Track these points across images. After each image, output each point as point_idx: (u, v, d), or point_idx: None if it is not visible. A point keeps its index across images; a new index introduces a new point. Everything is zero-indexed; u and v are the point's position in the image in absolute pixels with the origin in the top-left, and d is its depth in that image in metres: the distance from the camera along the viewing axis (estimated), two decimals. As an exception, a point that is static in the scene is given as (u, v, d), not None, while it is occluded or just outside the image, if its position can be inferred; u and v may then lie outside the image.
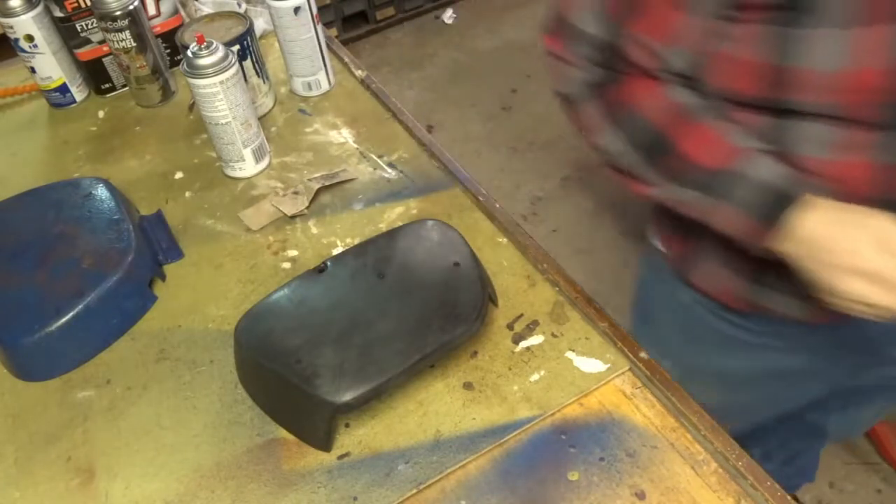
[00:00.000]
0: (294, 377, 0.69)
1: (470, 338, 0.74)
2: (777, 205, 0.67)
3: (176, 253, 0.94)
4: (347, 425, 0.73)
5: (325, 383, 0.68)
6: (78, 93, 1.21)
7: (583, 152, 2.53)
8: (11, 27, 1.11)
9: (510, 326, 0.80)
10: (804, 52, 0.64)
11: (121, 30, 1.09)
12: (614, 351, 0.76)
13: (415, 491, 0.67)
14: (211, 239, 0.95)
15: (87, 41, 1.17)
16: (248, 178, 1.03)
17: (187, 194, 1.02)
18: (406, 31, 3.26)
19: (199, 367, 0.80)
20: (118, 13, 1.07)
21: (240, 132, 0.98)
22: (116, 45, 1.11)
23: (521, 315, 0.81)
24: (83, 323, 0.81)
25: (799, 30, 0.63)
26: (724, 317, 0.91)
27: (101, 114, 1.20)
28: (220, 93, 0.93)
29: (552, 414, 0.71)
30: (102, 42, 1.16)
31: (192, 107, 1.17)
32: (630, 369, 0.74)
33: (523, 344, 0.78)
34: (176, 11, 1.21)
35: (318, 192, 0.99)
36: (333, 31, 3.08)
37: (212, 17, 1.10)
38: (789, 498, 0.64)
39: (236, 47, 1.04)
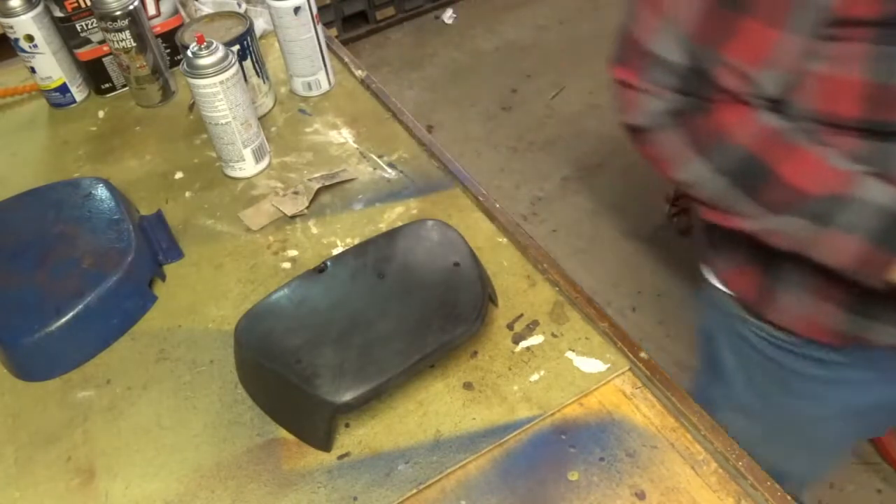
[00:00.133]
0: (294, 377, 0.69)
1: (470, 338, 0.74)
2: None
3: (176, 253, 0.94)
4: (347, 425, 0.73)
5: (325, 383, 0.68)
6: (78, 93, 1.21)
7: (583, 152, 2.53)
8: (11, 27, 1.11)
9: (510, 326, 0.80)
10: None
11: (121, 30, 1.09)
12: (614, 351, 0.76)
13: (415, 491, 0.67)
14: (211, 239, 0.95)
15: (87, 41, 1.17)
16: (248, 178, 1.03)
17: (187, 194, 1.02)
18: (406, 31, 3.26)
19: (199, 367, 0.80)
20: (118, 13, 1.07)
21: (240, 132, 0.98)
22: (116, 45, 1.11)
23: (521, 315, 0.81)
24: (83, 323, 0.81)
25: None
26: (805, 353, 0.85)
27: (101, 114, 1.20)
28: (220, 93, 0.93)
29: (552, 414, 0.71)
30: (102, 42, 1.17)
31: (192, 107, 1.17)
32: (630, 369, 0.74)
33: (523, 344, 0.78)
34: (176, 11, 1.21)
35: (318, 192, 0.99)
36: (333, 31, 3.08)
37: (212, 17, 1.10)
38: (789, 498, 0.64)
39: (236, 47, 1.04)
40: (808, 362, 0.86)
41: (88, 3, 1.12)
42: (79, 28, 1.15)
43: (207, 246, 0.94)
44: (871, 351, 0.80)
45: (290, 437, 0.72)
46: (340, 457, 0.70)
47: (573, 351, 0.76)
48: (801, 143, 0.67)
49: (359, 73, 1.20)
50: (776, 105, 0.69)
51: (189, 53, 0.92)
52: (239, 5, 1.24)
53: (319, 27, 1.10)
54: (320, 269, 0.78)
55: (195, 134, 1.12)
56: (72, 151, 1.13)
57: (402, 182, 0.99)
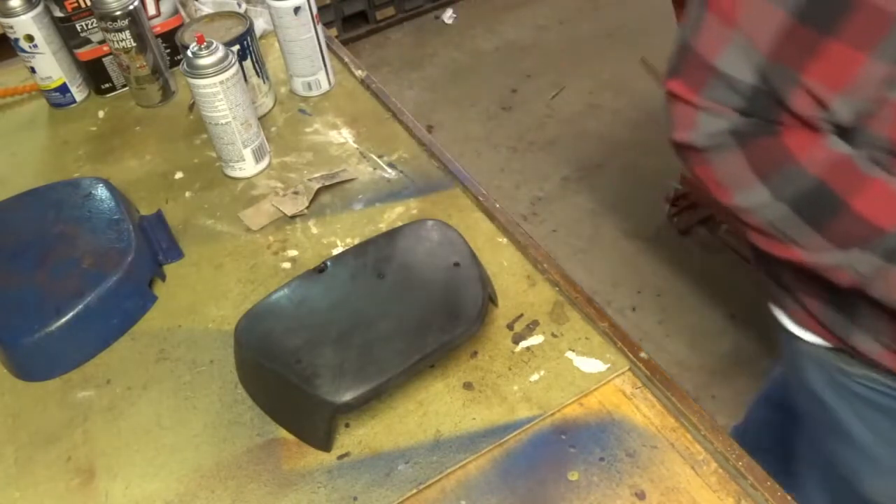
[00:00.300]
0: (294, 377, 0.69)
1: (470, 338, 0.74)
2: None
3: (176, 253, 0.94)
4: (347, 425, 0.73)
5: (325, 383, 0.68)
6: (78, 93, 1.21)
7: (583, 152, 2.53)
8: (11, 27, 1.11)
9: (510, 326, 0.80)
10: None
11: (121, 30, 1.09)
12: (614, 351, 0.76)
13: (415, 491, 0.67)
14: (211, 239, 0.95)
15: (87, 41, 1.17)
16: (248, 178, 1.03)
17: (187, 194, 1.02)
18: (406, 31, 3.26)
19: (199, 367, 0.80)
20: (118, 13, 1.07)
21: (240, 132, 0.98)
22: (116, 45, 1.11)
23: (521, 315, 0.81)
24: (83, 323, 0.81)
25: None
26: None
27: (101, 114, 1.20)
28: (220, 93, 0.93)
29: (552, 414, 0.71)
30: (102, 42, 1.16)
31: (192, 107, 1.17)
32: (630, 369, 0.74)
33: (523, 344, 0.78)
34: (176, 11, 1.21)
35: (318, 192, 0.99)
36: (333, 31, 3.08)
37: (212, 17, 1.10)
38: (789, 498, 0.64)
39: (236, 47, 1.04)
40: None
41: (88, 3, 1.12)
42: (79, 28, 1.15)
43: (207, 246, 0.94)
44: None
45: (290, 437, 0.72)
46: (340, 457, 0.70)
47: (573, 351, 0.76)
48: (875, 173, 0.63)
49: (359, 73, 1.20)
50: (845, 132, 0.65)
51: (189, 53, 0.92)
52: (239, 5, 1.24)
53: (319, 27, 1.10)
54: (320, 269, 0.78)
55: (195, 134, 1.12)
56: (72, 151, 1.13)
57: (402, 182, 0.99)
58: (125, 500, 0.69)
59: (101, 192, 0.94)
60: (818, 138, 0.64)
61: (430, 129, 2.70)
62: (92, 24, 1.14)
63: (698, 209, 2.15)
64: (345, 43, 3.07)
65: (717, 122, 0.66)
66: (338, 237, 0.93)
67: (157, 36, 1.19)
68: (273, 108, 1.16)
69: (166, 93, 1.20)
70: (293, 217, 0.96)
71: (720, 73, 0.64)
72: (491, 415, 0.72)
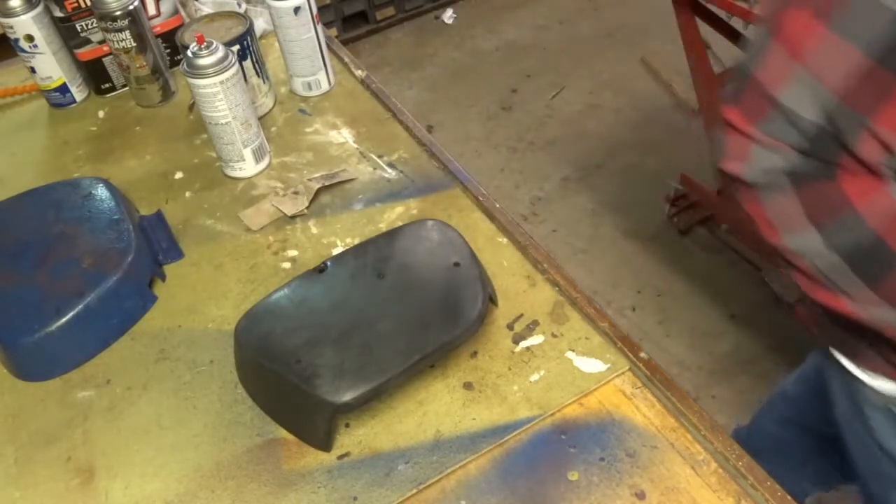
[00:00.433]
0: (294, 377, 0.69)
1: (470, 338, 0.74)
2: None
3: (176, 253, 0.94)
4: (347, 425, 0.73)
5: (325, 383, 0.68)
6: (78, 93, 1.21)
7: (583, 152, 2.53)
8: (11, 27, 1.11)
9: (510, 326, 0.80)
10: None
11: (121, 30, 1.09)
12: (614, 351, 0.76)
13: (415, 491, 0.67)
14: (211, 239, 0.95)
15: (87, 41, 1.17)
16: (248, 178, 1.03)
17: (187, 194, 1.02)
18: (406, 31, 3.26)
19: (199, 367, 0.80)
20: (118, 13, 1.07)
21: (240, 132, 0.98)
22: (116, 45, 1.11)
23: (521, 315, 0.81)
24: (83, 323, 0.81)
25: None
26: None
27: (101, 114, 1.20)
28: (220, 93, 0.93)
29: (552, 414, 0.71)
30: (102, 42, 1.16)
31: (192, 107, 1.17)
32: (630, 369, 0.74)
33: (523, 344, 0.78)
34: (176, 11, 1.21)
35: (318, 192, 0.99)
36: (333, 31, 3.07)
37: (212, 17, 1.10)
38: (789, 498, 0.64)
39: (236, 47, 1.04)
40: None
41: (88, 3, 1.12)
42: (79, 28, 1.15)
43: (207, 246, 0.94)
44: None
45: (290, 437, 0.72)
46: (340, 457, 0.70)
47: (573, 351, 0.76)
48: None
49: (359, 73, 1.20)
50: None
51: (189, 53, 0.92)
52: (239, 5, 1.24)
53: (319, 27, 1.10)
54: (320, 269, 0.78)
55: (195, 134, 1.12)
56: (72, 151, 1.13)
57: (402, 182, 0.99)
58: (125, 500, 0.69)
59: (101, 192, 0.94)
60: (880, 185, 0.60)
61: (430, 129, 2.70)
62: (92, 24, 1.14)
63: (698, 209, 2.15)
64: (345, 43, 3.06)
65: (771, 158, 0.62)
66: (338, 237, 0.93)
67: (157, 36, 1.19)
68: (273, 108, 1.16)
69: (166, 93, 1.20)
70: (293, 217, 0.96)
71: (781, 106, 0.60)
72: (491, 415, 0.72)
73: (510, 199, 2.39)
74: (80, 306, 0.80)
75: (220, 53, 0.92)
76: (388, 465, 0.69)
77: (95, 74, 1.21)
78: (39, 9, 1.11)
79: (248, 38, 1.06)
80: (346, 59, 1.23)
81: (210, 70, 0.92)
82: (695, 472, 0.66)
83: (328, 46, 1.16)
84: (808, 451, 1.17)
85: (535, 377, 0.74)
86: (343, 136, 1.09)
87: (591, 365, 0.75)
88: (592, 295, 0.82)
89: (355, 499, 0.67)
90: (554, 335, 0.78)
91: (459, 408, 0.73)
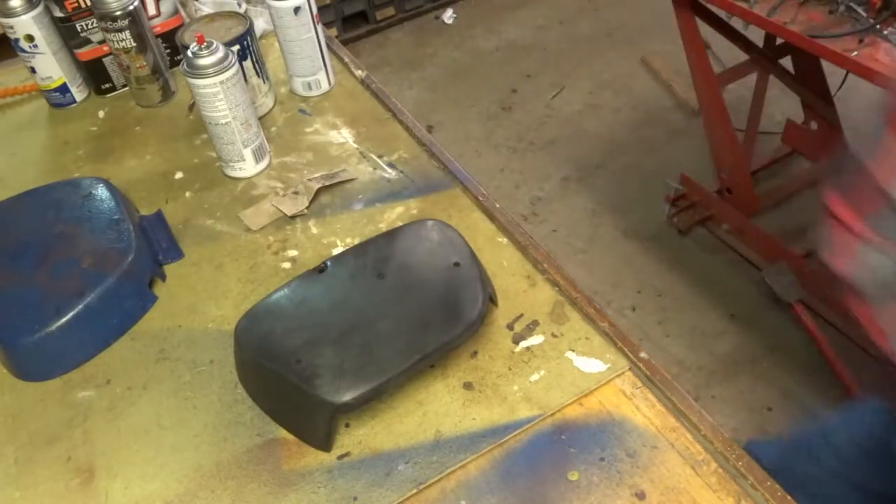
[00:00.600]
0: (294, 377, 0.69)
1: (470, 338, 0.74)
2: None
3: (176, 253, 0.94)
4: (347, 425, 0.73)
5: (325, 383, 0.68)
6: (78, 93, 1.21)
7: (583, 152, 2.53)
8: (11, 27, 1.11)
9: (510, 326, 0.80)
10: None
11: (121, 30, 1.09)
12: (614, 351, 0.76)
13: (415, 491, 0.67)
14: (211, 239, 0.95)
15: (87, 41, 1.17)
16: (248, 178, 1.03)
17: (187, 194, 1.02)
18: (406, 31, 3.26)
19: (199, 367, 0.80)
20: (118, 13, 1.07)
21: (240, 132, 0.98)
22: (116, 45, 1.11)
23: (521, 315, 0.81)
24: (83, 323, 0.81)
25: None
26: None
27: (101, 114, 1.20)
28: (220, 93, 0.93)
29: (552, 414, 0.71)
30: (102, 42, 1.16)
31: (192, 107, 1.17)
32: (630, 369, 0.74)
33: (523, 344, 0.78)
34: (176, 11, 1.21)
35: (318, 192, 0.99)
36: (333, 31, 3.07)
37: (212, 17, 1.10)
38: (789, 498, 0.64)
39: (236, 47, 1.04)
40: None
41: (88, 3, 1.12)
42: (79, 28, 1.15)
43: (207, 246, 0.94)
44: None
45: (290, 437, 0.72)
46: (340, 457, 0.70)
47: (573, 351, 0.76)
48: None
49: (359, 73, 1.20)
50: None
51: (189, 53, 0.92)
52: (239, 5, 1.24)
53: (319, 27, 1.10)
54: (320, 269, 0.78)
55: (195, 134, 1.12)
56: (72, 151, 1.13)
57: (402, 182, 0.99)
58: (125, 500, 0.69)
59: (101, 192, 0.94)
60: None
61: (430, 129, 2.70)
62: (92, 24, 1.14)
63: (698, 209, 2.15)
64: (345, 43, 3.06)
65: (880, 260, 0.58)
66: (338, 237, 0.93)
67: (157, 36, 1.19)
68: (273, 108, 1.16)
69: (166, 93, 1.20)
70: (293, 217, 0.96)
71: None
72: (491, 415, 0.72)
73: (510, 199, 2.39)
74: (80, 306, 0.80)
75: (220, 53, 0.92)
76: (388, 465, 0.69)
77: (95, 74, 1.21)
78: (39, 9, 1.11)
79: (248, 38, 1.06)
80: (346, 59, 1.23)
81: (210, 70, 0.92)
82: (695, 472, 0.66)
83: (328, 46, 1.16)
84: None
85: (535, 377, 0.74)
86: (343, 136, 1.09)
87: (591, 365, 0.75)
88: (592, 295, 0.82)
89: (355, 499, 0.67)
90: (554, 335, 0.78)
91: (459, 408, 0.73)
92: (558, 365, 0.75)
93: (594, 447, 0.68)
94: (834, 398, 1.75)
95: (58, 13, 1.12)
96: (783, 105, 2.47)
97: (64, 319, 0.80)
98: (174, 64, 1.24)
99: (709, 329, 1.95)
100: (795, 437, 1.22)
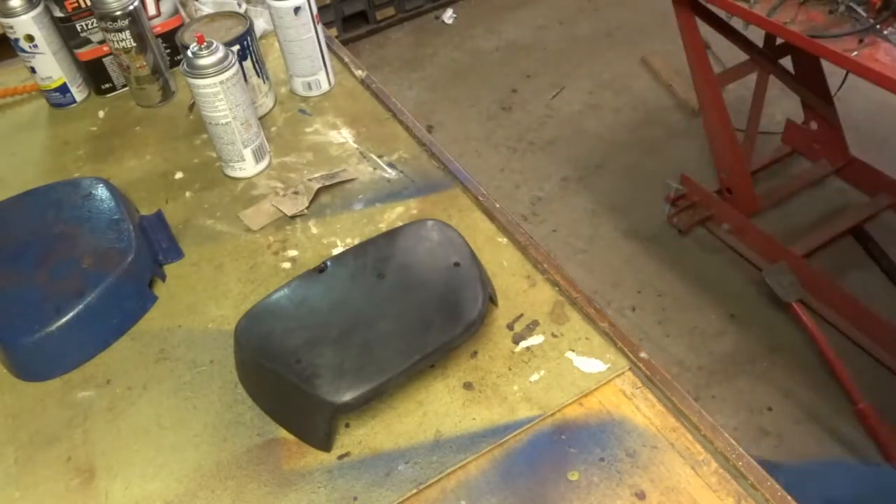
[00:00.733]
0: (294, 377, 0.69)
1: (470, 338, 0.74)
2: None
3: (176, 253, 0.94)
4: (347, 425, 0.73)
5: (325, 383, 0.68)
6: (78, 93, 1.21)
7: (583, 152, 2.53)
8: (11, 27, 1.11)
9: (510, 326, 0.80)
10: None
11: (121, 30, 1.09)
12: (614, 351, 0.76)
13: (415, 491, 0.67)
14: (211, 239, 0.95)
15: (87, 41, 1.17)
16: (248, 178, 1.03)
17: (187, 194, 1.02)
18: (406, 31, 3.26)
19: (199, 367, 0.80)
20: (118, 13, 1.07)
21: (240, 132, 0.98)
22: (116, 45, 1.11)
23: (521, 315, 0.81)
24: (83, 323, 0.81)
25: None
26: None
27: (101, 114, 1.20)
28: (220, 93, 0.93)
29: (552, 414, 0.71)
30: (102, 42, 1.16)
31: (192, 107, 1.17)
32: (630, 369, 0.74)
33: (523, 344, 0.78)
34: (176, 11, 1.21)
35: (318, 192, 0.99)
36: (333, 31, 3.07)
37: (212, 17, 1.10)
38: (789, 498, 0.64)
39: (236, 47, 1.04)
40: None
41: (88, 3, 1.12)
42: (79, 28, 1.15)
43: (207, 246, 0.94)
44: None
45: (290, 437, 0.72)
46: (340, 457, 0.70)
47: (573, 351, 0.76)
48: None
49: (359, 73, 1.20)
50: None
51: (189, 53, 0.92)
52: (239, 5, 1.24)
53: (319, 27, 1.10)
54: (320, 269, 0.78)
55: (195, 134, 1.12)
56: (72, 151, 1.13)
57: (402, 182, 0.99)
58: (125, 500, 0.69)
59: (101, 192, 0.94)
60: None
61: (430, 129, 2.70)
62: (92, 24, 1.14)
63: (698, 209, 2.15)
64: (345, 43, 3.06)
65: None
66: (338, 237, 0.93)
67: (157, 36, 1.19)
68: (273, 108, 1.16)
69: (166, 93, 1.20)
70: (293, 217, 0.96)
71: None
72: (491, 415, 0.72)
73: (510, 199, 2.39)
74: (80, 306, 0.80)
75: (220, 53, 0.92)
76: (388, 465, 0.69)
77: (95, 74, 1.21)
78: (39, 9, 1.11)
79: (248, 38, 1.06)
80: (346, 59, 1.23)
81: (210, 70, 0.92)
82: (695, 472, 0.66)
83: (328, 46, 1.16)
84: None
85: (535, 377, 0.74)
86: (343, 136, 1.09)
87: (591, 365, 0.75)
88: (592, 295, 0.82)
89: (355, 499, 0.67)
90: (554, 335, 0.78)
91: (459, 408, 0.73)
92: (558, 365, 0.75)
93: (594, 447, 0.68)
94: (834, 398, 1.75)
95: (58, 13, 1.12)
96: (783, 105, 2.47)
97: (64, 319, 0.80)
98: (174, 64, 1.24)
99: (709, 329, 1.95)
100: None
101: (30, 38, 1.12)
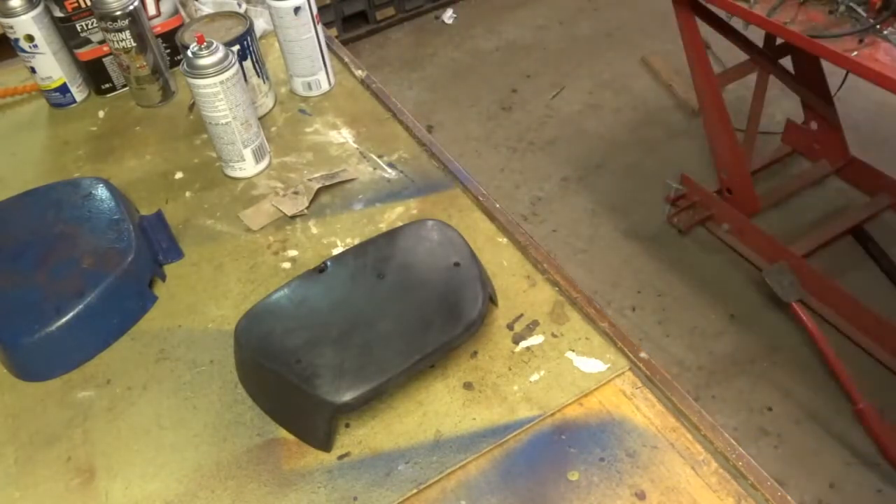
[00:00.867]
0: (294, 377, 0.69)
1: (470, 338, 0.74)
2: None
3: (176, 253, 0.94)
4: (347, 425, 0.73)
5: (325, 383, 0.68)
6: (78, 93, 1.21)
7: (583, 152, 2.53)
8: (11, 27, 1.11)
9: (510, 326, 0.80)
10: None
11: (121, 30, 1.09)
12: (614, 351, 0.76)
13: (415, 491, 0.67)
14: (211, 239, 0.95)
15: (87, 41, 1.17)
16: (248, 178, 1.03)
17: (187, 194, 1.02)
18: (406, 31, 3.26)
19: (199, 367, 0.80)
20: (118, 13, 1.07)
21: (240, 132, 0.98)
22: (116, 45, 1.11)
23: (521, 315, 0.81)
24: (83, 323, 0.81)
25: None
26: None
27: (101, 114, 1.20)
28: (220, 93, 0.93)
29: (552, 414, 0.71)
30: (102, 42, 1.16)
31: (192, 107, 1.17)
32: (630, 369, 0.74)
33: (523, 344, 0.78)
34: (176, 11, 1.21)
35: (318, 192, 0.99)
36: (333, 31, 3.07)
37: (212, 17, 1.10)
38: (789, 498, 0.64)
39: (236, 47, 1.04)
40: None
41: (88, 3, 1.12)
42: (79, 28, 1.15)
43: (207, 246, 0.94)
44: None
45: (290, 437, 0.72)
46: (340, 457, 0.70)
47: (573, 351, 0.76)
48: None
49: (359, 73, 1.20)
50: None
51: (189, 53, 0.92)
52: (239, 5, 1.24)
53: (319, 27, 1.10)
54: (320, 269, 0.78)
55: (195, 134, 1.12)
56: (72, 151, 1.13)
57: (402, 182, 0.99)
58: (125, 500, 0.69)
59: (101, 192, 0.94)
60: None
61: (430, 129, 2.70)
62: (92, 24, 1.14)
63: (698, 209, 2.15)
64: (345, 43, 3.06)
65: None
66: (338, 237, 0.93)
67: (157, 36, 1.19)
68: (273, 108, 1.16)
69: (166, 93, 1.20)
70: (293, 217, 0.96)
71: None
72: (491, 415, 0.72)
73: (510, 199, 2.39)
74: (80, 306, 0.80)
75: (220, 53, 0.92)
76: (388, 465, 0.69)
77: (95, 74, 1.21)
78: (39, 9, 1.11)
79: (248, 38, 1.06)
80: (346, 59, 1.23)
81: (210, 70, 0.92)
82: (695, 472, 0.66)
83: (328, 46, 1.16)
84: None
85: (535, 377, 0.74)
86: (343, 136, 1.09)
87: (591, 365, 0.75)
88: (592, 295, 0.82)
89: (355, 499, 0.67)
90: (554, 335, 0.78)
91: (459, 408, 0.73)
92: (558, 365, 0.75)
93: (594, 447, 0.68)
94: (834, 398, 1.75)
95: (58, 13, 1.12)
96: (783, 105, 2.47)
97: (64, 319, 0.80)
98: (174, 64, 1.24)
99: (709, 329, 1.95)
100: None
101: (30, 38, 1.12)
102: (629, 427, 0.70)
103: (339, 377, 0.68)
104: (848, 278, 1.97)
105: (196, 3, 1.24)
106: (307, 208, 0.97)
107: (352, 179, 1.01)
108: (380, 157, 1.04)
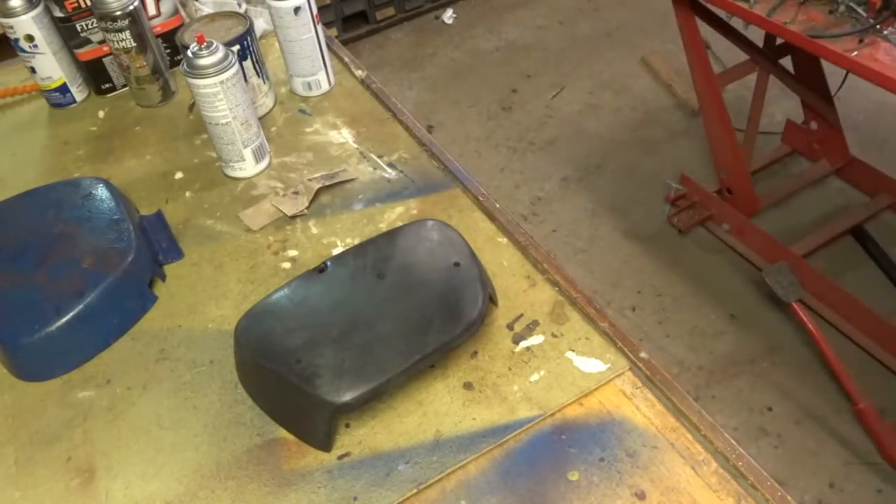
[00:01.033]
0: (294, 377, 0.69)
1: (470, 338, 0.74)
2: None
3: (176, 253, 0.94)
4: (347, 425, 0.73)
5: (325, 383, 0.68)
6: (78, 93, 1.21)
7: (583, 152, 2.53)
8: (11, 27, 1.11)
9: (510, 326, 0.80)
10: None
11: (121, 30, 1.09)
12: (614, 351, 0.76)
13: (415, 491, 0.67)
14: (211, 239, 0.95)
15: (87, 41, 1.17)
16: (248, 178, 1.03)
17: (187, 194, 1.02)
18: (406, 31, 3.26)
19: (199, 367, 0.80)
20: (118, 13, 1.07)
21: (240, 132, 0.98)
22: (116, 45, 1.11)
23: (521, 315, 0.81)
24: (83, 323, 0.81)
25: None
26: None
27: (101, 114, 1.20)
28: (220, 93, 0.93)
29: (552, 414, 0.71)
30: (102, 42, 1.16)
31: (192, 107, 1.17)
32: (630, 369, 0.74)
33: (523, 344, 0.78)
34: (176, 11, 1.21)
35: (318, 192, 0.99)
36: (333, 31, 3.07)
37: (212, 17, 1.10)
38: (789, 498, 0.64)
39: (236, 47, 1.04)
40: None
41: (88, 3, 1.12)
42: (79, 28, 1.15)
43: (207, 246, 0.94)
44: None
45: (290, 437, 0.72)
46: (340, 457, 0.70)
47: (573, 351, 0.76)
48: None
49: (359, 73, 1.20)
50: None
51: (189, 53, 0.92)
52: (239, 5, 1.24)
53: (319, 27, 1.10)
54: (320, 269, 0.78)
55: (195, 134, 1.12)
56: (72, 151, 1.13)
57: (402, 182, 0.99)
58: (125, 500, 0.69)
59: (101, 192, 0.94)
60: None
61: (430, 129, 2.70)
62: (92, 24, 1.14)
63: (698, 209, 2.15)
64: (345, 43, 3.06)
65: None
66: (338, 237, 0.93)
67: (157, 36, 1.19)
68: (273, 108, 1.16)
69: (166, 93, 1.20)
70: (293, 217, 0.96)
71: None
72: (491, 415, 0.72)
73: (510, 199, 2.39)
74: (80, 306, 0.80)
75: (220, 53, 0.92)
76: (388, 465, 0.69)
77: (95, 74, 1.21)
78: (39, 9, 1.11)
79: (248, 38, 1.06)
80: (346, 59, 1.23)
81: (210, 70, 0.92)
82: (695, 472, 0.66)
83: (328, 46, 1.16)
84: None
85: (535, 377, 0.74)
86: (343, 136, 1.09)
87: (591, 365, 0.75)
88: (592, 295, 0.82)
89: (355, 499, 0.67)
90: (554, 335, 0.78)
91: (459, 408, 0.73)
92: (558, 365, 0.75)
93: (594, 447, 0.68)
94: (834, 398, 1.75)
95: (58, 13, 1.12)
96: (783, 105, 2.47)
97: (64, 319, 0.80)
98: (174, 64, 1.24)
99: (708, 329, 1.95)
100: None
101: (30, 38, 1.12)
102: (629, 427, 0.70)
103: (339, 377, 0.68)
104: (848, 278, 1.97)
105: (196, 3, 1.24)
106: (307, 208, 0.97)
107: (352, 179, 1.01)
108: (380, 157, 1.04)
